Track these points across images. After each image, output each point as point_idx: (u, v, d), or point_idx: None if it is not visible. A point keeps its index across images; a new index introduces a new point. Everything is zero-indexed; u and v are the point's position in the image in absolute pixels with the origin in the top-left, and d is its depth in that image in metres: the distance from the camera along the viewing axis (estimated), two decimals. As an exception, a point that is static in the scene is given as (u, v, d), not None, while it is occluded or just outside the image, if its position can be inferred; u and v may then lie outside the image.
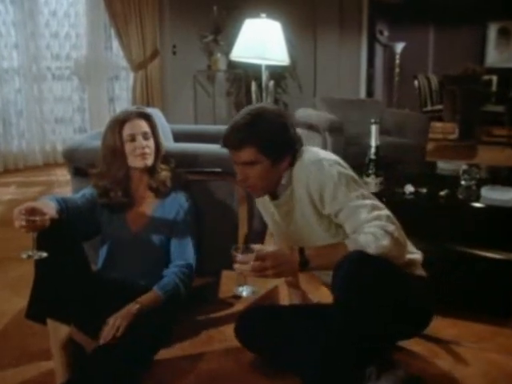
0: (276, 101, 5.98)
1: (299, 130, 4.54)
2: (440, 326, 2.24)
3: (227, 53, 5.72)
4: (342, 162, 1.79)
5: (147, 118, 2.16)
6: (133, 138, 2.10)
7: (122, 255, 2.14)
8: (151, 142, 2.14)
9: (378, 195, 2.63)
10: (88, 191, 2.22)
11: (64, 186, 5.04)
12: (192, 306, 2.17)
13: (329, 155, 1.80)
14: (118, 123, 2.13)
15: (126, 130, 2.11)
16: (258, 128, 1.72)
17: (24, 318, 1.96)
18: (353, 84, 7.23)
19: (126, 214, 2.18)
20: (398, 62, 8.93)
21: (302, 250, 1.61)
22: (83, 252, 2.04)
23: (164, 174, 2.19)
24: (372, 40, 7.87)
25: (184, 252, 2.11)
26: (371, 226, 1.62)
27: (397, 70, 8.92)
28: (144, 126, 2.13)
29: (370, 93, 7.73)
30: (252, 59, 4.13)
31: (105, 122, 2.23)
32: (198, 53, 6.69)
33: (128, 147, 2.11)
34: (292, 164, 1.80)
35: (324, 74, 7.18)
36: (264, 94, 4.14)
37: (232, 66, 6.39)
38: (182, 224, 2.15)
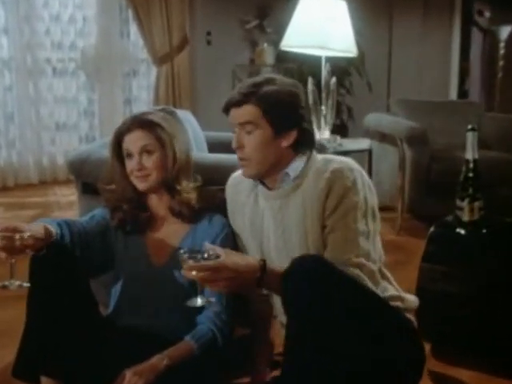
0: (338, 104, 5.99)
1: (369, 141, 4.51)
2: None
3: (276, 42, 5.76)
4: (370, 184, 2.00)
5: (150, 126, 2.20)
6: (131, 155, 2.19)
7: (141, 295, 2.16)
8: (154, 159, 2.18)
9: (477, 224, 2.63)
10: (99, 212, 2.26)
11: (66, 209, 5.14)
12: (232, 362, 2.18)
13: (362, 171, 2.00)
14: (116, 136, 2.22)
15: (125, 145, 2.20)
16: (267, 89, 1.95)
17: (10, 376, 1.98)
18: (440, 82, 7.18)
19: (146, 239, 2.23)
20: (502, 52, 8.81)
21: (264, 266, 1.81)
22: (89, 290, 2.06)
23: (187, 194, 2.23)
24: (468, 23, 7.78)
25: (221, 294, 2.10)
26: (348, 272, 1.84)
27: (501, 62, 8.79)
28: (144, 138, 2.18)
29: (463, 93, 7.65)
30: (308, 49, 4.16)
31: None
32: (239, 42, 6.77)
33: (127, 165, 2.20)
34: (302, 153, 2.01)
35: (401, 70, 7.16)
36: (323, 94, 4.15)
37: (282, 58, 6.43)
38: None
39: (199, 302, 1.85)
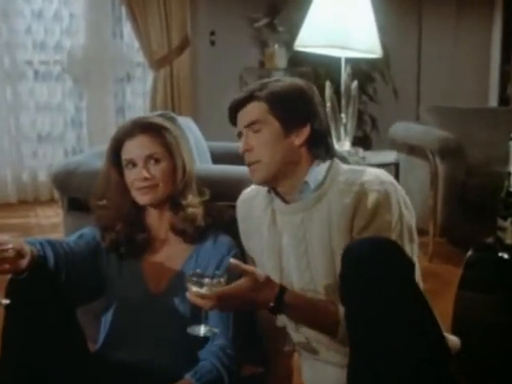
0: (360, 113, 5.99)
1: (396, 154, 4.48)
2: None
3: (288, 43, 5.78)
4: (407, 199, 2.00)
5: (156, 130, 2.21)
6: (133, 164, 2.18)
7: (136, 326, 2.14)
8: (161, 168, 2.19)
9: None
10: (88, 232, 2.26)
11: (48, 232, 5.13)
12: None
13: (396, 184, 2.00)
14: (114, 143, 2.22)
15: (125, 153, 2.20)
16: (274, 86, 2.03)
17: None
18: (478, 87, 7.16)
19: (142, 262, 2.22)
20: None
21: (281, 293, 1.87)
22: (76, 321, 2.05)
23: (192, 210, 2.22)
24: (510, 20, 7.76)
25: (227, 326, 2.11)
26: None
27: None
28: (150, 145, 2.19)
29: (505, 99, 7.62)
30: (326, 49, 4.16)
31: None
32: (246, 43, 6.80)
33: (127, 176, 2.20)
34: (317, 158, 2.03)
35: (433, 73, 7.15)
36: (343, 101, 4.15)
37: (295, 61, 6.46)
38: (224, 284, 2.15)
39: (202, 330, 1.89)
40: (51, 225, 5.37)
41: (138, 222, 2.24)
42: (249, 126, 2.01)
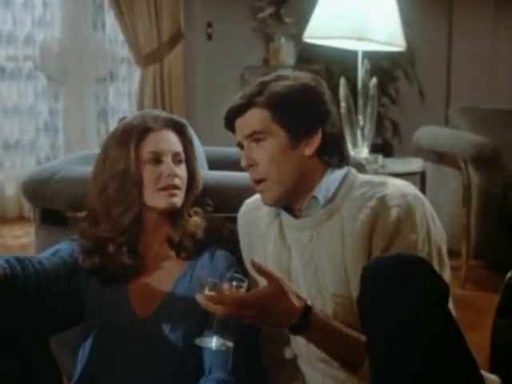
0: (380, 117, 6.00)
1: (421, 162, 4.48)
2: None
3: (297, 36, 5.80)
4: (434, 215, 1.97)
5: (181, 129, 2.25)
6: (158, 160, 2.18)
7: (120, 357, 2.13)
8: (183, 170, 2.22)
9: None
10: (65, 248, 2.25)
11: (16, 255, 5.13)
12: None
13: (423, 197, 1.97)
14: (136, 133, 2.20)
15: (148, 146, 2.19)
16: (275, 87, 1.99)
17: None
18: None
19: (128, 285, 2.20)
20: None
21: (307, 310, 1.83)
22: (49, 352, 2.05)
23: (194, 220, 2.24)
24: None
25: (226, 356, 2.09)
26: None
27: None
28: (176, 142, 2.23)
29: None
30: (340, 41, 4.17)
31: (90, 149, 2.29)
32: (249, 37, 6.82)
33: (148, 173, 2.19)
34: (329, 166, 2.02)
35: (465, 71, 7.15)
36: (360, 101, 4.16)
37: (305, 58, 6.50)
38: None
39: (214, 343, 1.85)
40: (20, 246, 5.35)
41: (133, 239, 2.22)
42: (249, 137, 2.00)
